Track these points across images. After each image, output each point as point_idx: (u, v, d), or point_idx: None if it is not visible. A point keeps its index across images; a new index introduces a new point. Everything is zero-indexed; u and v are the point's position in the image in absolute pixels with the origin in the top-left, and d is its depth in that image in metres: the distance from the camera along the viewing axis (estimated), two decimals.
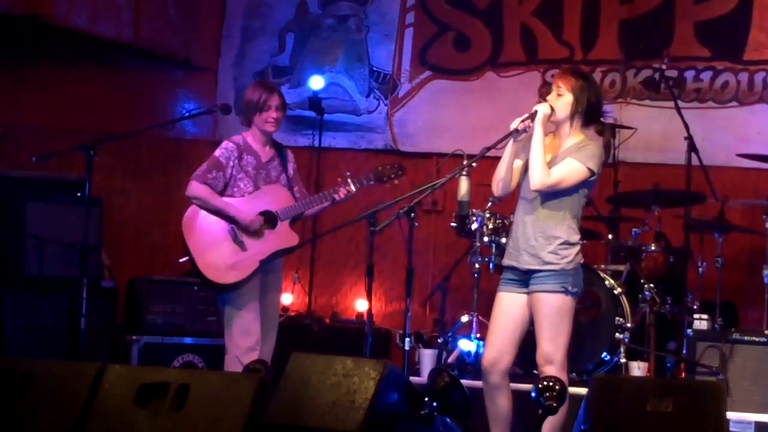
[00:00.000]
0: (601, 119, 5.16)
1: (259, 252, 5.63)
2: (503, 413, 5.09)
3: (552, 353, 4.94)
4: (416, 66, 8.67)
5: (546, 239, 4.96)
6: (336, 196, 5.71)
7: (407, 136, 8.63)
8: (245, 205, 5.66)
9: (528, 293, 5.00)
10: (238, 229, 5.63)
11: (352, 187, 5.72)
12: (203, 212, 5.66)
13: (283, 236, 5.68)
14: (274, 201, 5.71)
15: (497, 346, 5.05)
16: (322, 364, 4.32)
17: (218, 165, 5.67)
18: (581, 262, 5.05)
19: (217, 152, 5.72)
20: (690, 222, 6.60)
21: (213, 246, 5.62)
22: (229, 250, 5.61)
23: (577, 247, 5.01)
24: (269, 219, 5.68)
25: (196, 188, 5.64)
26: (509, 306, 5.05)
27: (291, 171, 5.89)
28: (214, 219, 5.65)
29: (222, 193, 5.67)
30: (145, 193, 8.55)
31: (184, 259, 5.68)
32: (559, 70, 5.22)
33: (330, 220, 8.18)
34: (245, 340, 5.59)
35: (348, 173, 5.76)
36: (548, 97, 5.09)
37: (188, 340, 7.31)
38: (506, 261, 5.11)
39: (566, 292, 4.94)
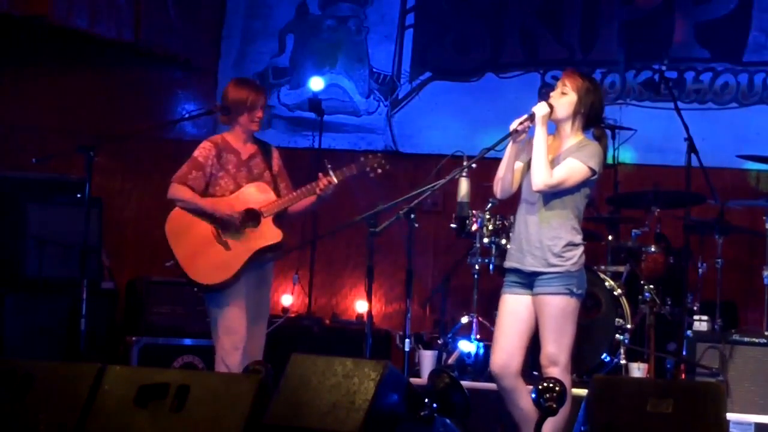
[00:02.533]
0: (601, 125, 5.16)
1: (244, 250, 5.58)
2: (529, 413, 4.95)
3: (556, 355, 4.93)
4: (416, 67, 8.67)
5: (551, 240, 4.95)
6: (317, 189, 5.62)
7: (407, 137, 8.64)
8: (228, 205, 5.63)
9: (532, 295, 5.00)
10: (221, 228, 5.61)
11: (334, 179, 5.62)
12: (186, 214, 5.63)
13: (267, 233, 5.62)
14: (257, 198, 5.65)
15: (506, 350, 5.01)
16: (322, 365, 4.32)
17: (198, 165, 5.66)
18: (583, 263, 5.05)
19: (196, 152, 5.70)
20: (690, 223, 6.60)
21: (198, 247, 5.59)
22: (214, 250, 5.58)
23: (581, 248, 5.00)
24: (253, 217, 5.63)
25: (177, 190, 5.64)
26: (516, 308, 5.03)
27: (276, 168, 5.82)
28: (197, 221, 5.61)
29: (203, 193, 5.65)
30: (145, 194, 8.54)
31: (169, 263, 5.66)
32: (567, 69, 5.21)
33: (330, 221, 8.18)
34: (228, 339, 5.58)
35: (329, 165, 5.67)
36: (551, 94, 5.08)
37: (188, 341, 7.30)
38: (509, 263, 5.10)
39: (571, 293, 4.94)
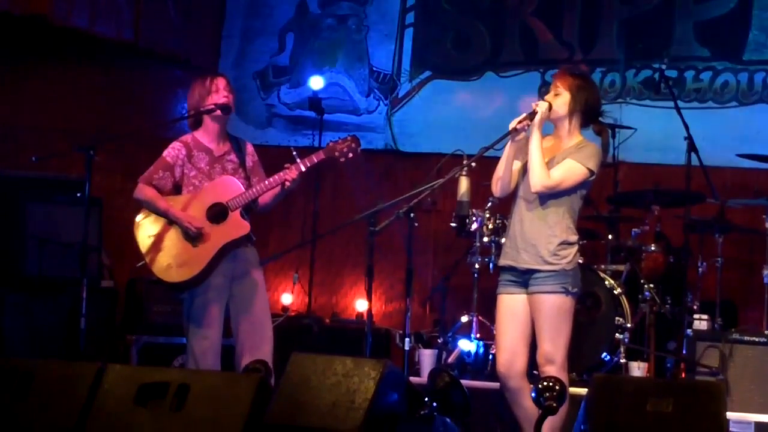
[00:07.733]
0: (600, 120, 5.16)
1: (211, 246, 5.48)
2: (533, 413, 4.93)
3: (552, 353, 4.93)
4: (416, 66, 8.67)
5: (546, 239, 4.95)
6: (286, 179, 5.50)
7: (407, 136, 8.64)
8: (194, 201, 5.54)
9: (527, 294, 5.00)
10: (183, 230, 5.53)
11: (302, 167, 5.50)
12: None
13: (233, 227, 5.50)
14: (225, 192, 5.54)
15: (509, 349, 5.00)
16: (322, 364, 4.32)
17: (165, 165, 5.60)
18: (579, 261, 5.05)
19: (165, 152, 5.64)
20: (690, 222, 6.60)
21: (164, 245, 5.53)
22: (180, 248, 5.50)
23: (576, 247, 5.00)
24: (219, 212, 5.52)
25: (140, 190, 5.60)
26: (513, 307, 5.02)
27: (250, 163, 5.72)
28: (164, 219, 5.55)
29: (172, 192, 5.59)
30: None
31: (140, 263, 5.63)
32: (558, 70, 5.22)
33: (330, 220, 8.19)
34: (198, 343, 5.50)
35: (295, 152, 5.56)
36: (546, 97, 5.09)
37: None
38: (504, 261, 5.09)
39: (566, 292, 4.94)
